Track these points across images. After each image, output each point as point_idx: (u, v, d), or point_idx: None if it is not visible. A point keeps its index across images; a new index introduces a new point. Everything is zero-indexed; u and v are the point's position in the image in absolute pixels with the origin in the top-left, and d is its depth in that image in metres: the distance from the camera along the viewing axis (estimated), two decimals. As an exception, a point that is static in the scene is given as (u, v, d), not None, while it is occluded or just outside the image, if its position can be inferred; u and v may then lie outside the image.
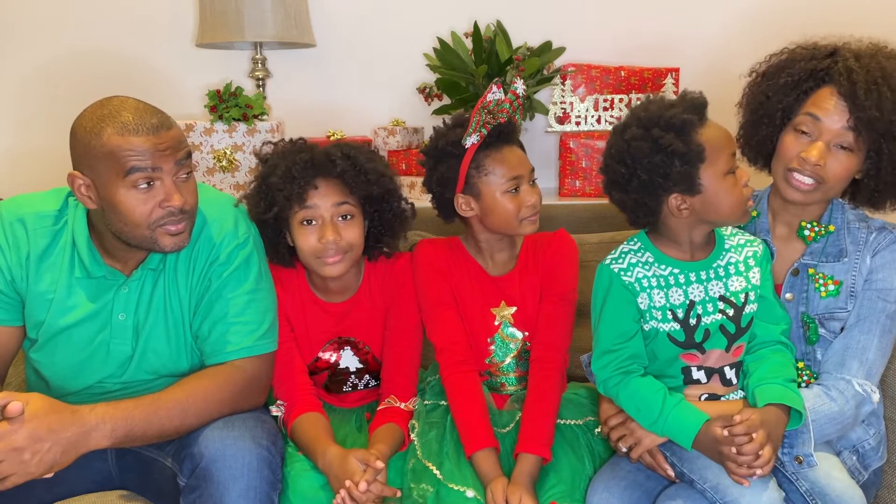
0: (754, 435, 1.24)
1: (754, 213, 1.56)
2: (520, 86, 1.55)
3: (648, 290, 1.38)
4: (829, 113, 1.40)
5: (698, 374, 1.40)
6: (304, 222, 1.52)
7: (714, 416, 1.31)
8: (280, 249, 1.59)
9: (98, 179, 1.31)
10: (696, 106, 1.33)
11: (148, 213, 1.32)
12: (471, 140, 1.52)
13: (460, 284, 1.62)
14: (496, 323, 1.61)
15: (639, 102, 1.39)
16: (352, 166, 1.52)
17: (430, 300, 1.60)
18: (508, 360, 1.61)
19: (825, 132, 1.40)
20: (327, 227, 1.51)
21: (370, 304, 1.64)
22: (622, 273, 1.39)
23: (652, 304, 1.38)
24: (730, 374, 1.40)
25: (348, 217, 1.53)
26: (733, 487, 1.26)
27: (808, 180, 1.42)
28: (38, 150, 2.34)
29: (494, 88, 1.51)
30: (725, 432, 1.26)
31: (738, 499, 1.25)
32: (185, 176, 1.36)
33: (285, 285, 1.62)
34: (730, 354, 1.40)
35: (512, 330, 1.61)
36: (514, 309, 1.61)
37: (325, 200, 1.51)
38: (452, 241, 1.66)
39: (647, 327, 1.39)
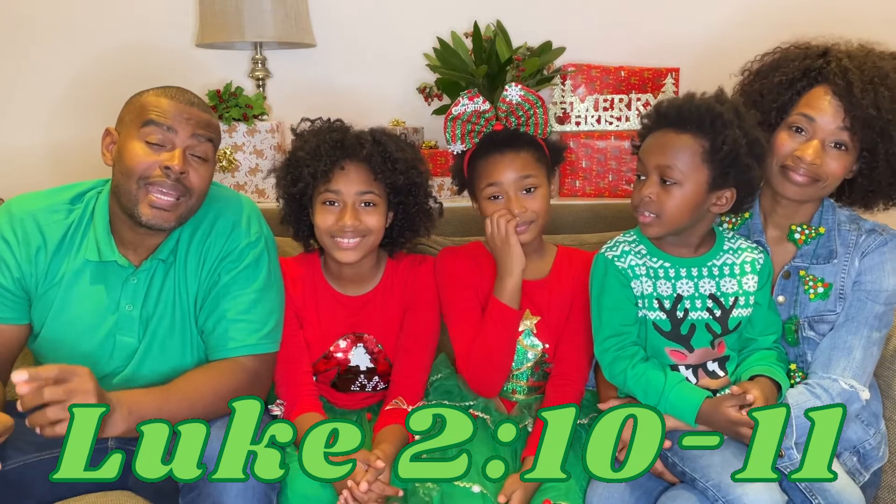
0: None
1: (746, 214, 1.55)
2: (512, 93, 1.52)
3: (638, 278, 1.43)
4: (823, 112, 1.41)
5: (686, 373, 1.43)
6: (327, 203, 1.53)
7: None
8: (302, 227, 1.61)
9: (122, 130, 1.38)
10: None
11: (145, 167, 1.35)
12: (453, 148, 1.56)
13: (483, 289, 1.60)
14: (518, 330, 1.59)
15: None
16: (380, 152, 1.52)
17: (454, 307, 1.59)
18: (524, 368, 1.60)
19: (819, 131, 1.41)
20: (348, 210, 1.51)
21: (388, 301, 1.63)
22: (615, 259, 1.44)
23: (642, 292, 1.42)
24: (712, 366, 1.43)
25: (371, 204, 1.53)
26: (736, 486, 1.27)
27: (803, 178, 1.43)
28: (38, 151, 2.34)
29: (463, 101, 1.53)
30: (742, 413, 1.30)
31: (741, 497, 1.25)
32: (198, 156, 1.39)
33: (300, 275, 1.62)
34: (714, 350, 1.44)
35: (533, 339, 1.60)
36: (538, 319, 1.60)
37: (349, 186, 1.51)
38: (474, 248, 1.66)
39: (639, 314, 1.44)
